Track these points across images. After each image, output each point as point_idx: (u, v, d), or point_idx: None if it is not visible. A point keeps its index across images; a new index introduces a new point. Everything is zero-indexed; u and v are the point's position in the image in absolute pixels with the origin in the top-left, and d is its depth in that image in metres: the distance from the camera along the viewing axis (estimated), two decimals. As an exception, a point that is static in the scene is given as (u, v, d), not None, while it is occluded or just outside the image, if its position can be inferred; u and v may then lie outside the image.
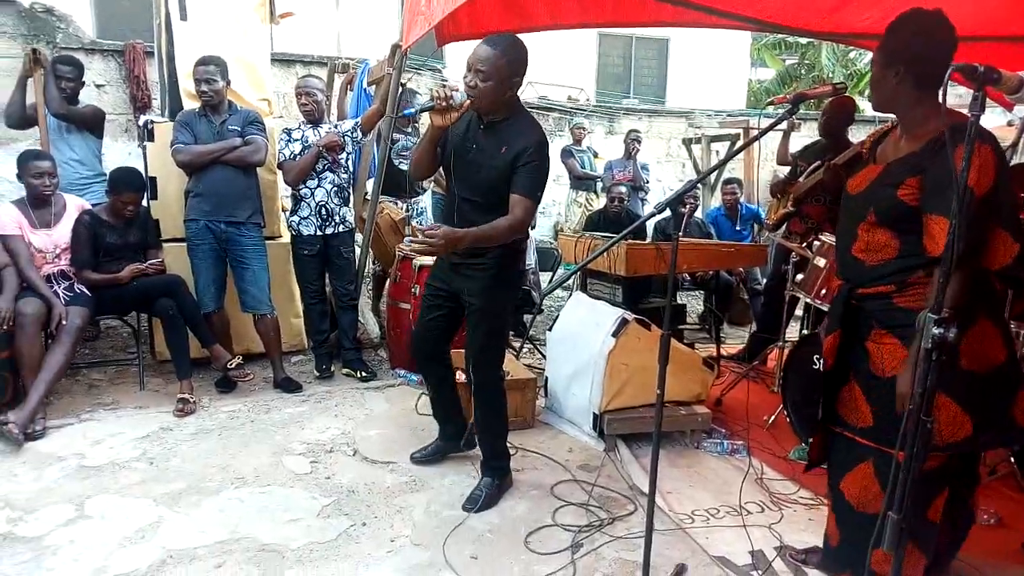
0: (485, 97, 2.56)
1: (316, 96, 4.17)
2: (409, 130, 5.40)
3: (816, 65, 15.43)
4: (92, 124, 4.63)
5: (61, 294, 3.65)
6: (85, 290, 3.76)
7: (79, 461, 3.10)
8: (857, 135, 4.40)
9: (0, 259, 3.55)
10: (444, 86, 2.71)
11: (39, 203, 3.73)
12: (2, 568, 2.30)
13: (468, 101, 2.58)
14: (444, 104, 2.55)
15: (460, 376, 3.21)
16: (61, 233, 3.77)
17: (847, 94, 3.98)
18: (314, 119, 4.19)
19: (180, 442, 3.33)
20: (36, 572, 2.29)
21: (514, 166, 2.60)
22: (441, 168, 2.88)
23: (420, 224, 4.67)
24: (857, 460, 2.05)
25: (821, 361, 3.26)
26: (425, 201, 5.86)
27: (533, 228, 3.07)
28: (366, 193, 4.74)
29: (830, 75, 14.77)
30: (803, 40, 15.12)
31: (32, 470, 3.00)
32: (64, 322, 3.52)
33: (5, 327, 3.38)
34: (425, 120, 2.76)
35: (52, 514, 2.65)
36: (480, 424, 2.94)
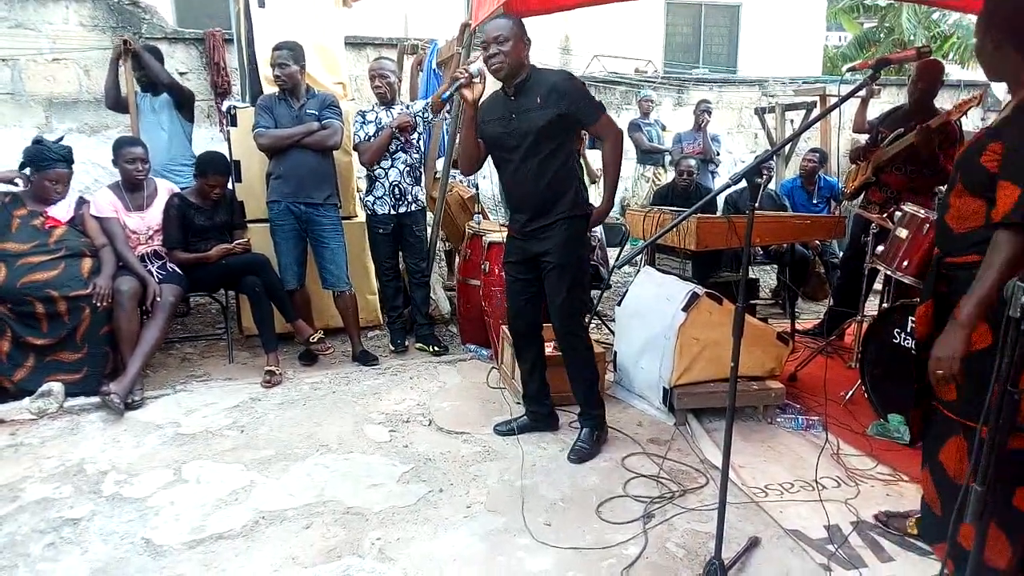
0: (509, 57, 2.78)
1: (389, 78, 4.25)
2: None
3: (896, 28, 14.58)
4: (184, 101, 4.85)
5: (155, 273, 3.87)
6: (176, 269, 3.97)
7: (175, 429, 3.31)
8: (942, 99, 4.20)
9: (98, 240, 3.80)
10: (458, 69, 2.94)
11: (132, 187, 3.96)
12: (112, 525, 2.50)
13: (496, 68, 2.80)
14: (467, 78, 2.79)
15: (550, 349, 3.31)
16: (153, 215, 3.99)
17: (931, 53, 3.80)
18: (387, 101, 4.28)
19: (268, 411, 3.52)
20: (142, 530, 2.47)
21: (561, 109, 2.80)
22: (490, 156, 3.04)
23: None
24: (950, 432, 2.01)
25: (902, 335, 3.20)
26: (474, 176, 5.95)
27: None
28: (436, 172, 4.82)
29: (911, 38, 13.97)
30: (882, 2, 14.34)
31: (133, 437, 3.23)
32: (158, 299, 3.74)
33: (104, 303, 3.61)
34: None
35: (153, 478, 2.85)
36: (572, 373, 3.11)
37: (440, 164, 4.76)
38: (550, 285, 2.97)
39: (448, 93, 3.01)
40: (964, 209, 1.92)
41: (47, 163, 3.65)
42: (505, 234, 4.16)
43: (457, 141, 5.79)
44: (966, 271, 1.92)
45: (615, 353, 3.87)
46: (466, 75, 2.79)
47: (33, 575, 2.23)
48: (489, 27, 2.83)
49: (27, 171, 3.73)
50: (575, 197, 2.94)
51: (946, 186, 2.09)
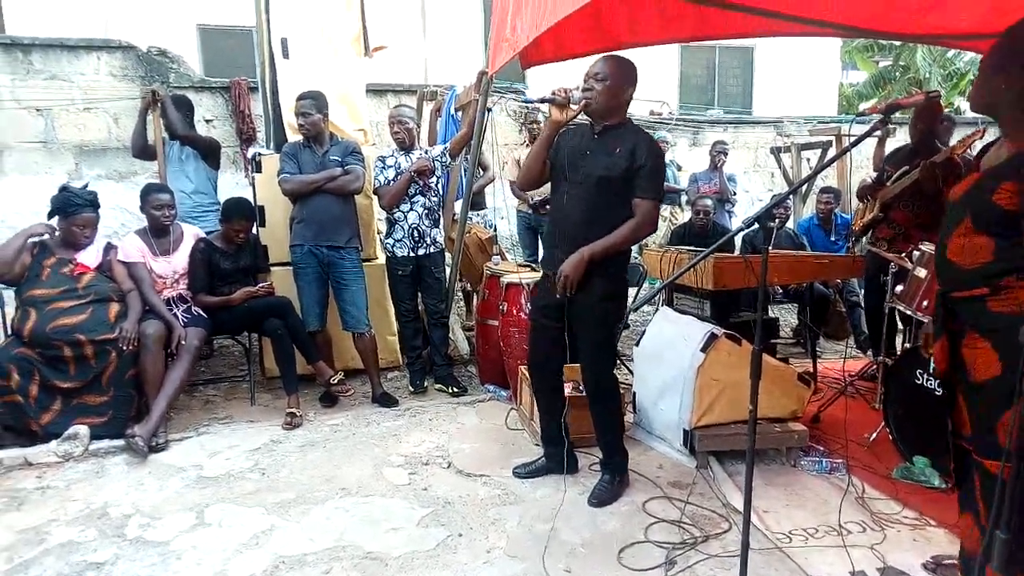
0: (601, 96, 2.79)
1: (407, 124, 4.36)
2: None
3: (911, 66, 14.66)
4: (210, 151, 4.99)
5: (180, 316, 3.94)
6: (201, 312, 4.05)
7: (198, 472, 3.34)
8: (958, 134, 4.23)
9: (126, 285, 3.88)
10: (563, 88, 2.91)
11: (159, 232, 4.06)
12: (136, 569, 2.52)
13: (584, 101, 2.79)
14: (564, 98, 2.79)
15: (569, 390, 3.30)
16: (179, 260, 4.08)
17: (939, 100, 3.84)
18: (406, 146, 4.37)
19: (289, 453, 3.54)
20: (164, 574, 2.49)
21: (630, 169, 2.79)
22: (550, 180, 3.04)
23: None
24: (973, 469, 1.99)
25: (924, 376, 3.17)
26: (491, 216, 6.06)
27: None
28: (454, 214, 4.89)
29: (926, 76, 14.01)
30: (897, 41, 14.45)
31: (156, 480, 3.26)
32: (183, 342, 3.80)
33: (131, 347, 3.68)
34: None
35: (176, 521, 2.87)
36: (598, 422, 3.09)
37: (458, 206, 4.83)
38: (582, 338, 2.97)
39: (538, 99, 2.96)
40: (970, 246, 1.94)
41: (74, 208, 3.75)
42: (523, 275, 4.22)
43: (482, 174, 5.94)
44: (972, 305, 1.93)
45: (634, 394, 3.86)
46: (564, 95, 2.80)
47: (56, 620, 2.24)
48: (595, 64, 2.86)
49: (54, 221, 3.83)
50: (616, 259, 2.90)
51: (944, 224, 2.10)
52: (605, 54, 2.93)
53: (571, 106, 2.80)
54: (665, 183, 7.91)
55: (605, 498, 2.99)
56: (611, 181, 2.81)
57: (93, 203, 3.83)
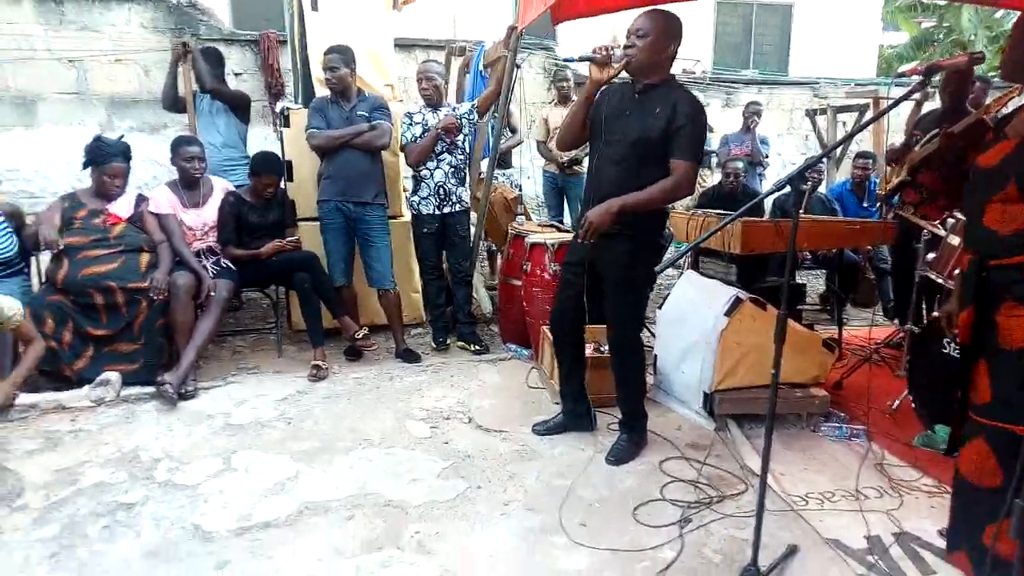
0: (643, 53, 2.72)
1: (435, 80, 4.32)
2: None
3: (956, 28, 14.03)
4: (239, 105, 5.00)
5: (209, 268, 4.01)
6: (230, 265, 4.11)
7: (226, 419, 3.43)
8: (992, 95, 4.13)
9: (156, 236, 3.95)
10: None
11: (189, 185, 4.11)
12: (164, 510, 2.61)
13: (625, 60, 2.73)
14: (605, 56, 2.72)
15: (590, 350, 3.30)
16: (209, 212, 4.13)
17: (983, 61, 3.73)
18: (433, 103, 4.34)
19: (314, 404, 3.62)
20: (192, 516, 2.57)
21: (668, 130, 2.72)
22: (589, 139, 2.99)
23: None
24: (971, 435, 2.00)
25: (951, 345, 3.13)
26: (517, 176, 6.02)
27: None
28: (480, 173, 4.87)
29: (971, 38, 13.42)
30: (941, 1, 13.84)
31: (185, 426, 3.35)
32: (212, 293, 3.87)
33: (161, 297, 3.75)
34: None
35: (204, 466, 2.96)
36: (620, 383, 3.09)
37: (484, 165, 4.81)
38: (609, 298, 2.96)
39: (577, 58, 2.89)
40: (1010, 212, 1.90)
41: (104, 158, 3.80)
42: (547, 235, 4.21)
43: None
44: (1011, 272, 1.90)
45: (655, 356, 3.86)
46: (603, 53, 2.74)
47: (90, 555, 2.34)
48: (637, 19, 2.77)
49: (87, 172, 3.87)
50: (650, 220, 2.87)
51: (974, 190, 2.05)
52: (647, 8, 2.83)
53: (612, 64, 2.74)
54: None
55: (623, 457, 3.02)
56: (649, 142, 2.75)
57: (124, 154, 3.88)
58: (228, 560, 2.32)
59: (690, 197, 7.37)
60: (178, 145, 4.08)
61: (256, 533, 2.47)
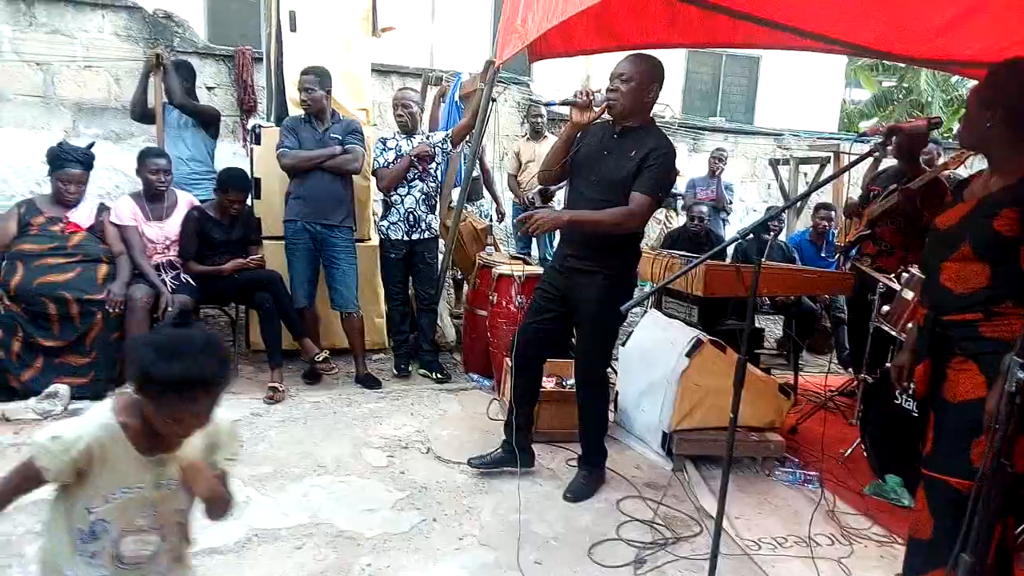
0: (625, 98, 2.77)
1: (411, 108, 4.35)
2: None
3: (914, 89, 14.74)
4: (208, 120, 4.94)
5: (168, 282, 3.92)
6: (190, 280, 4.03)
7: (177, 439, 3.33)
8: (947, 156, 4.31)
9: (116, 247, 3.86)
10: (587, 89, 2.88)
11: (154, 197, 4.03)
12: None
13: (606, 104, 2.79)
14: (586, 100, 2.78)
15: (551, 384, 3.29)
16: (172, 226, 4.05)
17: (940, 126, 3.91)
18: (408, 130, 4.37)
19: (269, 427, 3.54)
20: (135, 539, 2.49)
21: (639, 168, 2.77)
22: (570, 175, 3.04)
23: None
24: (920, 486, 2.04)
25: (903, 396, 3.21)
26: (488, 207, 6.12)
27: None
28: (451, 202, 4.89)
29: (928, 100, 14.08)
30: (901, 63, 14.51)
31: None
32: (170, 308, 3.76)
33: (117, 310, 3.65)
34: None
35: (152, 486, 2.87)
36: (583, 418, 3.08)
37: (456, 194, 4.83)
38: (580, 335, 2.98)
39: (558, 102, 2.94)
40: (966, 271, 1.97)
41: (60, 163, 3.72)
42: (515, 267, 4.23)
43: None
44: (964, 328, 1.97)
45: (616, 393, 3.88)
46: (584, 97, 2.80)
47: (25, 576, 2.24)
48: (620, 63, 2.83)
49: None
50: (622, 260, 2.92)
51: (932, 250, 2.13)
52: (631, 52, 2.90)
53: (593, 108, 2.80)
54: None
55: (581, 494, 3.01)
56: (621, 184, 2.80)
57: (83, 161, 3.79)
58: (170, 587, 2.23)
59: (655, 237, 7.51)
60: (145, 156, 4.01)
61: (202, 559, 2.37)
